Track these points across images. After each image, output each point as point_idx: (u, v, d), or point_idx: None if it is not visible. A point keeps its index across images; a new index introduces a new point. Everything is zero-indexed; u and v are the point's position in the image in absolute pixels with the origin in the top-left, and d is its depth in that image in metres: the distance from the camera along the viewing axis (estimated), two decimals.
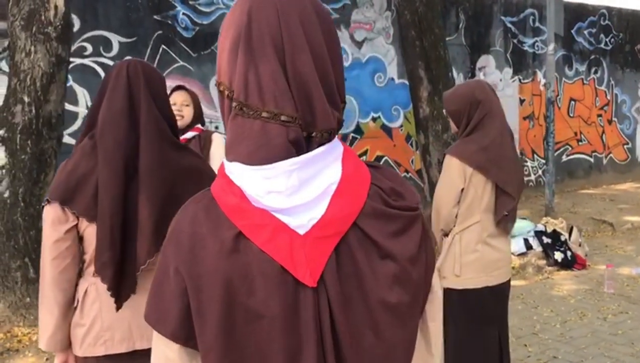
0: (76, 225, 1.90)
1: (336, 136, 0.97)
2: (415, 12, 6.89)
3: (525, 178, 11.49)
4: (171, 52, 7.84)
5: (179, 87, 3.70)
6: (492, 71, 11.13)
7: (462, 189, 2.90)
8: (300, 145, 0.91)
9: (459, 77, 10.65)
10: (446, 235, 3.01)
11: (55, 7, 5.20)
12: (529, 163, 11.78)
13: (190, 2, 8.01)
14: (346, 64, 9.35)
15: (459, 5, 10.59)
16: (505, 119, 2.99)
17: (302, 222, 0.90)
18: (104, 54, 7.42)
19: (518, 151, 11.35)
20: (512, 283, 5.71)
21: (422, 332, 1.04)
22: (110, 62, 7.44)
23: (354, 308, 0.92)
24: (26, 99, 5.03)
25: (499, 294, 3.00)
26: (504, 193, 2.92)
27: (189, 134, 3.62)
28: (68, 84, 7.20)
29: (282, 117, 0.90)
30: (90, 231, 1.88)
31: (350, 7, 9.38)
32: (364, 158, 9.62)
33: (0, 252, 4.92)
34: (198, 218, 0.93)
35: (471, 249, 2.92)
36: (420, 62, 6.95)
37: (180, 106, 3.55)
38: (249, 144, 0.91)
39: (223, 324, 0.88)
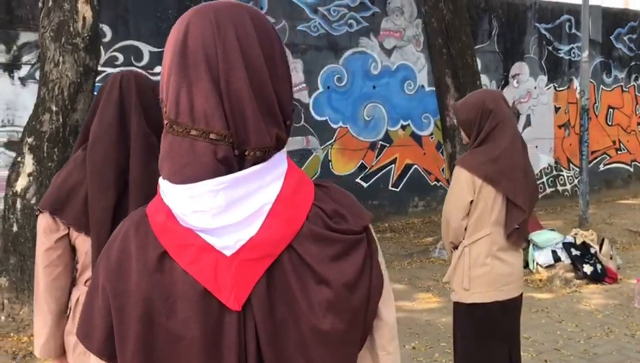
0: (67, 234, 1.93)
1: (279, 154, 0.94)
2: (443, 20, 6.83)
3: (561, 188, 11.24)
4: None
5: None
6: (526, 79, 10.94)
7: (472, 201, 2.84)
8: (230, 164, 0.88)
9: (491, 85, 10.50)
10: (456, 247, 2.96)
11: (84, 18, 5.33)
12: (564, 173, 11.50)
13: None
14: (375, 72, 9.34)
15: (491, 12, 10.45)
16: (517, 129, 2.92)
17: (228, 243, 0.87)
18: (135, 63, 7.58)
19: (553, 161, 11.11)
20: (538, 296, 5.61)
21: (372, 362, 1.00)
22: (141, 72, 7.57)
23: (285, 334, 0.89)
24: (54, 108, 5.16)
25: (509, 309, 2.91)
26: (515, 206, 2.84)
27: None
28: None
29: (211, 136, 0.88)
30: (80, 240, 1.91)
31: (380, 15, 9.36)
32: (393, 166, 9.57)
33: (27, 257, 5.05)
34: (128, 234, 0.91)
35: (480, 262, 2.85)
36: (447, 70, 6.87)
37: None
38: (175, 162, 0.89)
39: (142, 344, 0.86)
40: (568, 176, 11.51)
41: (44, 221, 1.91)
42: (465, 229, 2.88)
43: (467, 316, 2.91)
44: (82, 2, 5.33)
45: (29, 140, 5.14)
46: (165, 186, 0.91)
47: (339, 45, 9.04)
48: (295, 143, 8.67)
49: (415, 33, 9.56)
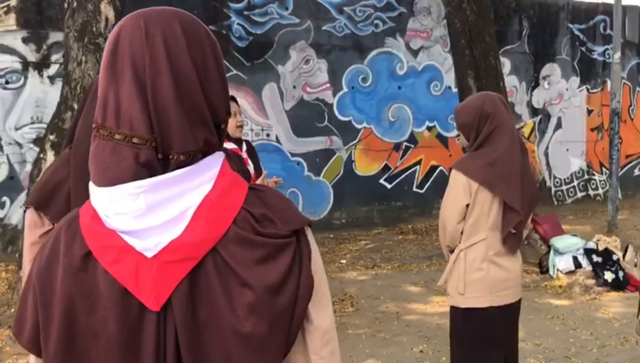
0: (52, 230, 1.99)
1: (210, 158, 0.95)
2: (466, 21, 6.75)
3: (592, 192, 10.98)
4: (225, 62, 8.02)
5: (231, 98, 3.83)
6: (557, 80, 10.72)
7: (468, 205, 2.82)
8: (152, 167, 0.90)
9: (521, 86, 10.34)
10: (452, 251, 2.93)
11: (106, 18, 5.46)
12: (596, 177, 11.23)
13: (245, 13, 8.19)
14: (401, 72, 9.29)
15: (522, 13, 10.28)
16: (516, 133, 2.87)
17: (148, 245, 0.89)
18: None
19: (585, 164, 10.86)
20: (556, 302, 5.50)
21: None
22: None
23: (206, 336, 0.90)
24: (76, 106, 5.29)
25: (506, 315, 2.87)
26: (511, 210, 2.80)
27: (244, 145, 3.78)
28: None
29: (134, 140, 0.90)
30: None
31: (406, 16, 9.30)
32: (418, 167, 9.50)
33: None
34: (60, 233, 0.95)
35: (476, 267, 2.82)
36: (470, 72, 6.79)
37: (239, 116, 3.65)
38: (99, 165, 0.92)
39: (63, 340, 0.90)
40: (600, 181, 11.23)
41: (29, 216, 1.98)
42: (462, 233, 2.86)
43: (463, 321, 2.88)
44: (105, 3, 5.46)
45: (51, 137, 5.29)
46: (91, 188, 0.94)
47: (364, 45, 9.02)
48: (318, 143, 8.69)
49: (442, 33, 9.46)
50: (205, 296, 0.90)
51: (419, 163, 9.57)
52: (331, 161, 8.83)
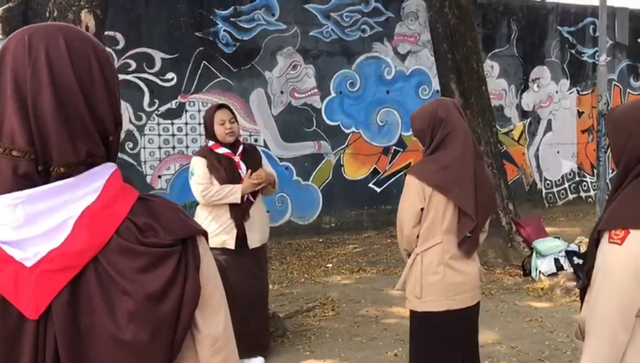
0: None
1: (97, 169, 0.98)
2: (448, 25, 6.79)
3: (584, 194, 10.98)
4: (212, 68, 8.10)
5: (222, 106, 3.95)
6: (547, 83, 10.74)
7: (423, 209, 2.85)
8: (32, 179, 0.93)
9: (510, 89, 10.37)
10: (409, 255, 2.96)
11: (87, 27, 5.51)
12: (587, 179, 11.24)
13: (231, 19, 8.25)
14: (389, 77, 9.33)
15: (510, 16, 10.31)
16: (470, 138, 2.90)
17: (27, 255, 0.91)
18: (147, 70, 7.77)
19: (575, 166, 10.86)
20: (535, 305, 5.52)
21: None
22: (153, 78, 7.79)
23: (88, 344, 0.93)
24: None
25: (463, 319, 2.89)
26: (466, 214, 2.83)
27: (240, 148, 3.99)
28: None
29: (14, 152, 0.93)
30: None
31: (394, 20, 9.35)
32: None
33: None
34: None
35: (432, 271, 2.85)
36: (452, 76, 6.83)
37: (229, 124, 3.87)
38: None
39: None
40: (592, 182, 11.24)
41: None
42: (418, 237, 2.89)
43: (420, 325, 2.91)
44: (85, 12, 5.52)
45: None
46: None
47: (351, 50, 9.06)
48: (306, 147, 8.73)
49: (430, 38, 9.50)
50: (87, 304, 0.93)
51: (408, 166, 9.59)
52: (320, 165, 8.86)
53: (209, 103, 8.15)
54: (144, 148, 7.75)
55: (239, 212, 3.86)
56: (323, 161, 8.88)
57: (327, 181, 8.90)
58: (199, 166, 3.89)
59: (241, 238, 3.87)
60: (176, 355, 0.99)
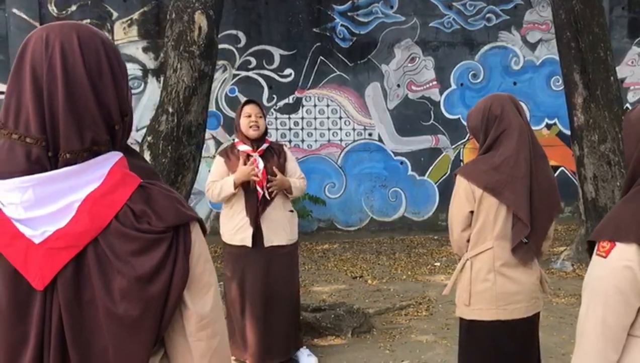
0: None
1: (103, 157, 1.08)
2: (572, 11, 6.26)
3: None
4: (328, 63, 8.22)
5: (251, 101, 3.96)
6: None
7: (473, 212, 2.69)
8: (42, 164, 1.04)
9: None
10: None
11: (200, 28, 5.87)
12: None
13: (349, 14, 8.29)
14: (516, 67, 8.83)
15: None
16: (527, 136, 2.67)
17: (36, 233, 1.03)
18: (266, 66, 8.09)
19: None
20: None
21: (184, 347, 1.14)
22: (272, 74, 8.09)
23: (87, 315, 1.04)
24: (170, 110, 5.78)
25: (515, 331, 2.68)
26: (520, 219, 2.63)
27: (264, 146, 3.89)
28: (234, 95, 8.05)
29: (27, 139, 1.04)
30: None
31: (523, 8, 8.81)
32: None
33: None
34: None
35: (482, 278, 2.68)
36: (576, 66, 6.29)
37: (255, 117, 3.82)
38: None
39: None
40: None
41: None
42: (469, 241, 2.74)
43: (467, 333, 2.77)
44: (199, 13, 5.88)
45: (149, 138, 5.82)
46: None
47: (475, 40, 8.69)
48: (423, 141, 8.55)
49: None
50: (87, 280, 1.04)
51: None
52: (437, 160, 8.63)
53: (324, 98, 8.30)
54: None
55: (254, 210, 3.75)
56: (440, 156, 8.64)
57: (444, 176, 8.65)
58: (215, 166, 3.89)
59: (258, 236, 3.77)
60: (165, 330, 1.10)
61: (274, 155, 3.91)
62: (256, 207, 3.75)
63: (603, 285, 1.48)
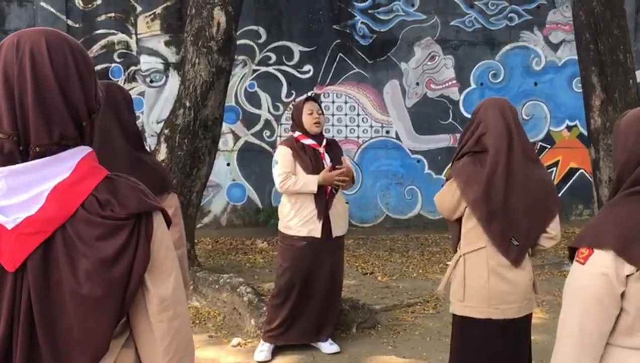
0: None
1: (71, 151, 1.18)
2: (592, 13, 6.20)
3: None
4: (347, 60, 8.27)
5: (310, 98, 4.21)
6: None
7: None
8: (14, 157, 1.14)
9: None
10: (455, 250, 2.89)
11: (218, 24, 5.97)
12: None
13: (369, 11, 8.32)
14: (538, 67, 8.76)
15: None
16: (506, 138, 2.75)
17: (8, 219, 1.13)
18: (286, 62, 8.16)
19: None
20: None
21: (148, 328, 1.23)
22: (291, 70, 8.17)
23: (54, 296, 1.13)
24: (187, 104, 5.89)
25: (507, 331, 2.72)
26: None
27: (324, 141, 4.18)
28: (253, 90, 8.14)
29: (0, 134, 1.14)
30: None
31: (546, 8, 8.73)
32: (554, 169, 8.88)
33: None
34: None
35: (477, 275, 2.72)
36: (594, 68, 6.24)
37: (317, 114, 4.10)
38: None
39: None
40: None
41: None
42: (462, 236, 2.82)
43: (460, 330, 2.83)
44: (218, 9, 5.97)
45: (165, 131, 5.94)
46: None
47: (496, 40, 8.64)
48: (440, 140, 8.55)
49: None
50: (55, 263, 1.14)
51: (555, 164, 8.94)
52: None
53: (343, 95, 8.35)
54: (280, 136, 8.16)
55: (323, 203, 4.03)
56: None
57: None
58: (282, 156, 4.08)
59: (326, 227, 4.06)
60: (127, 310, 1.20)
61: (333, 148, 4.22)
62: (325, 200, 4.02)
63: (581, 292, 1.49)
